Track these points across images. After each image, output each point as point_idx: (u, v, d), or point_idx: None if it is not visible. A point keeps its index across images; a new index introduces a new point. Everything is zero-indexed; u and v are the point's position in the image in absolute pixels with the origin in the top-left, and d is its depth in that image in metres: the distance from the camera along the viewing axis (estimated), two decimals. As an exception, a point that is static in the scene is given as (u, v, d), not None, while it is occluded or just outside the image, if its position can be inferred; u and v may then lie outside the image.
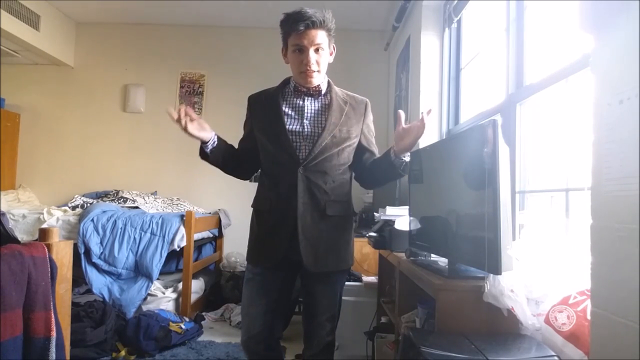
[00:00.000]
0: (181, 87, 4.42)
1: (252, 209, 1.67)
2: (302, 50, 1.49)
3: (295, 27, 1.46)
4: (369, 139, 1.67)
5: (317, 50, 1.51)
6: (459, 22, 2.78)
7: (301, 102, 1.59)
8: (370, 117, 1.68)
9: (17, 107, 4.37)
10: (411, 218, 1.81)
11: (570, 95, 1.48)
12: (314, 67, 1.50)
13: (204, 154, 1.59)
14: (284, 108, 1.58)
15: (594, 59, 1.01)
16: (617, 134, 0.91)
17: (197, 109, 4.39)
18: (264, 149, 1.61)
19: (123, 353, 2.61)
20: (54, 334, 1.01)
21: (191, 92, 4.42)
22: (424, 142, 2.81)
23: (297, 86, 1.59)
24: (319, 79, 1.56)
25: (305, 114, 1.58)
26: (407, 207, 1.88)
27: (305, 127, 1.56)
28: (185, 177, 4.36)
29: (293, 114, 1.57)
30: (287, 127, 1.54)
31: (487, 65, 2.35)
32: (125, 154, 4.41)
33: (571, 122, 1.49)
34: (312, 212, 1.53)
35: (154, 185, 4.34)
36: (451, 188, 1.48)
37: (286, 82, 1.65)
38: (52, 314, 1.02)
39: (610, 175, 0.92)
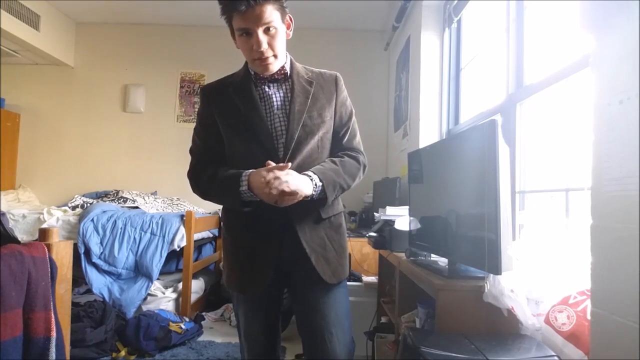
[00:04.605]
0: (181, 87, 4.42)
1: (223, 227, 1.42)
2: (249, 34, 1.21)
3: (235, 6, 1.18)
4: (343, 118, 1.39)
5: (267, 31, 1.22)
6: (459, 22, 2.77)
7: (267, 90, 1.32)
8: (344, 94, 1.40)
9: (17, 107, 4.37)
10: (411, 218, 1.81)
11: (570, 95, 1.48)
12: (267, 52, 1.23)
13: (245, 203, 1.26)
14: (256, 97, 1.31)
15: (594, 59, 1.01)
16: (617, 134, 0.91)
17: (197, 109, 4.38)
18: (234, 149, 1.33)
19: (123, 353, 2.61)
20: (54, 334, 1.01)
21: (191, 92, 4.42)
22: (424, 142, 2.84)
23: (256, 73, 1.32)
24: (279, 63, 1.30)
25: (275, 103, 1.31)
26: (407, 207, 1.89)
27: (278, 118, 1.30)
28: (185, 177, 4.32)
29: (263, 104, 1.31)
30: (265, 119, 1.29)
31: (487, 65, 2.35)
32: (125, 154, 4.41)
33: (571, 122, 1.49)
34: (307, 219, 1.30)
35: (154, 185, 4.34)
36: (451, 188, 1.48)
37: (245, 65, 1.37)
38: (52, 314, 1.02)
39: (610, 175, 0.92)
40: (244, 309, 1.38)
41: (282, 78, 1.33)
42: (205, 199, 1.37)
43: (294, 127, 1.29)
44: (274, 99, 1.32)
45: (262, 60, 1.25)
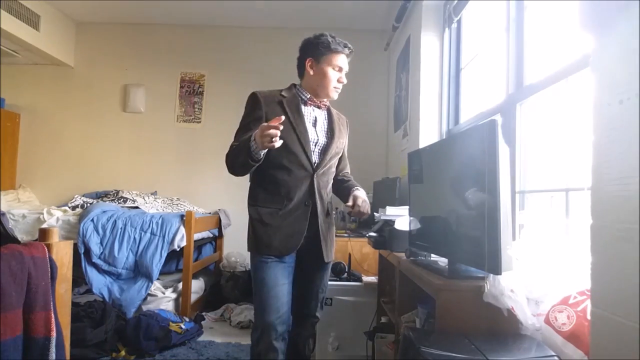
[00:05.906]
0: (181, 87, 4.42)
1: (253, 206, 1.75)
2: (341, 70, 1.75)
3: (341, 49, 1.72)
4: (344, 151, 1.93)
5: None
6: (459, 22, 2.77)
7: (312, 112, 1.78)
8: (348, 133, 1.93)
9: (17, 107, 4.37)
10: (411, 218, 1.82)
11: (570, 95, 1.48)
12: (341, 86, 1.79)
13: (255, 158, 1.56)
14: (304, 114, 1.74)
15: (594, 59, 1.01)
16: (617, 134, 0.91)
17: (197, 109, 4.39)
18: (281, 151, 1.60)
19: (123, 353, 2.61)
20: (54, 334, 1.01)
21: (191, 92, 4.42)
22: (424, 142, 2.83)
23: (311, 97, 1.76)
24: None
25: (317, 123, 1.77)
26: (407, 207, 1.89)
27: (319, 135, 1.74)
28: (185, 177, 4.35)
29: (308, 121, 1.74)
30: (309, 133, 1.70)
31: (487, 65, 2.35)
32: (125, 154, 4.40)
33: (571, 122, 1.49)
34: (322, 213, 1.75)
35: (154, 185, 4.34)
36: (451, 188, 1.48)
37: (292, 87, 1.79)
38: (52, 314, 1.02)
39: (610, 175, 0.92)
40: (272, 270, 1.67)
41: (324, 107, 1.82)
42: (235, 170, 1.67)
43: (334, 144, 1.76)
44: (318, 119, 1.78)
45: (338, 89, 1.77)
